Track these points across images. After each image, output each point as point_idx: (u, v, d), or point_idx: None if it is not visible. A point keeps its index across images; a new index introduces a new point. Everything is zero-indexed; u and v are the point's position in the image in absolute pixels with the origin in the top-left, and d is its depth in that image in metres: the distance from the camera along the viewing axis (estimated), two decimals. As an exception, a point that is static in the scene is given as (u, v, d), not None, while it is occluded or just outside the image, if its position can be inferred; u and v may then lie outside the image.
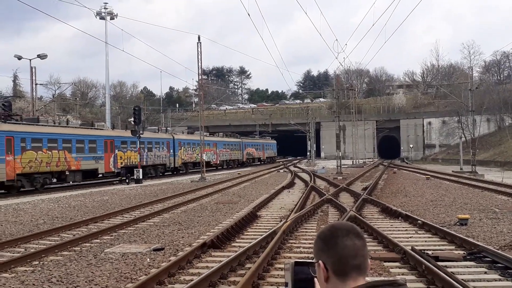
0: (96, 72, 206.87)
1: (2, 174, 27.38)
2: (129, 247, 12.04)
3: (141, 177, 36.39)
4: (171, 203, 21.93)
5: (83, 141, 35.13)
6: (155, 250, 11.61)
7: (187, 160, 52.50)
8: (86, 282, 8.90)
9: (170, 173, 49.31)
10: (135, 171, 36.94)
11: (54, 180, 33.23)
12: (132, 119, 39.13)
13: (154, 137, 45.53)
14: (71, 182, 34.19)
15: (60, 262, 10.61)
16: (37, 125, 32.03)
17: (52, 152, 31.74)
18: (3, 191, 28.40)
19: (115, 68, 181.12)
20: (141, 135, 37.47)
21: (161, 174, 46.15)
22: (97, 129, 39.36)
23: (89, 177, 36.81)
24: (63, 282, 8.95)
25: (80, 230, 15.11)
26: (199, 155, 45.92)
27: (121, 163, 39.38)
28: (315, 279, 1.76)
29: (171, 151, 48.51)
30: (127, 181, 36.24)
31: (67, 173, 33.36)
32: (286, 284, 1.80)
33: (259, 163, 76.17)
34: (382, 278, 1.75)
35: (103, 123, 47.62)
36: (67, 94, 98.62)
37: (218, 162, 60.44)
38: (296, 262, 1.80)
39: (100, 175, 37.72)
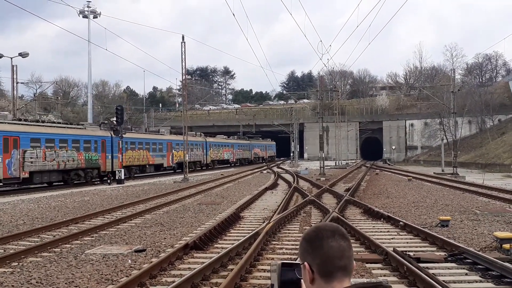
0: (79, 71, 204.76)
1: (116, 166, 38.96)
2: (110, 248, 11.92)
3: (122, 177, 36.10)
4: (153, 203, 21.79)
5: (156, 144, 47.72)
6: (136, 251, 11.51)
7: (214, 158, 64.31)
8: (66, 283, 8.78)
9: (205, 168, 61.17)
10: (116, 172, 36.71)
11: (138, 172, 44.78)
12: (115, 118, 38.82)
13: (194, 140, 56.70)
14: (149, 172, 47.06)
15: (40, 263, 10.46)
16: (132, 132, 45.06)
17: (140, 151, 44.50)
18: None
19: (98, 67, 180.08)
20: (177, 139, 49.89)
21: (198, 168, 58.40)
22: (162, 134, 52.16)
23: (158, 169, 49.12)
24: (42, 283, 8.82)
25: (60, 231, 14.92)
26: (223, 154, 65.89)
27: (176, 159, 51.44)
28: (301, 280, 1.75)
29: (205, 151, 60.20)
30: (108, 181, 35.98)
31: (147, 166, 46.08)
32: (272, 285, 1.78)
33: (262, 161, 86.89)
34: (367, 280, 1.74)
35: (164, 129, 57.99)
36: (49, 93, 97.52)
37: (235, 160, 72.34)
38: (282, 264, 1.79)
39: (163, 168, 49.75)
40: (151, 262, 10.11)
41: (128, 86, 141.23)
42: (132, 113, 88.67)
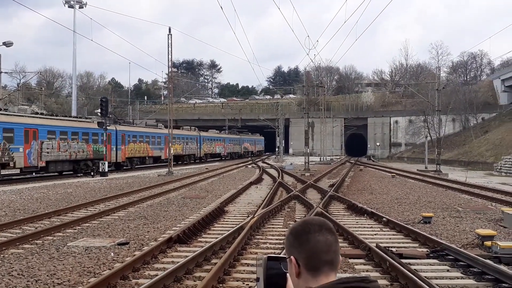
0: (64, 62, 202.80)
1: (119, 157, 43.02)
2: (93, 241, 11.83)
3: (106, 170, 35.83)
4: (137, 197, 21.68)
5: (155, 137, 50.92)
6: (119, 244, 11.44)
7: (207, 152, 67.42)
8: (47, 276, 8.70)
9: (198, 161, 64.11)
10: (100, 164, 36.44)
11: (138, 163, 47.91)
12: (99, 110, 38.52)
13: (189, 134, 60.61)
14: (149, 164, 50.34)
15: (21, 255, 10.35)
16: (134, 126, 50.07)
17: (141, 144, 47.50)
18: (113, 168, 42.08)
19: (83, 58, 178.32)
20: (176, 133, 51.46)
21: (192, 161, 62.00)
22: (161, 128, 54.32)
23: (156, 161, 51.71)
24: (24, 275, 8.73)
25: (42, 222, 14.78)
26: (215, 148, 69.35)
27: (174, 151, 52.12)
28: (287, 274, 1.74)
29: (199, 144, 63.38)
30: (92, 173, 35.73)
31: (147, 158, 49.43)
32: (257, 279, 1.77)
33: (251, 155, 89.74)
34: (353, 275, 1.74)
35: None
36: (33, 84, 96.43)
37: (226, 154, 75.02)
38: (269, 257, 1.78)
39: (160, 160, 52.19)
40: (134, 255, 10.06)
41: (113, 78, 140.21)
42: (116, 105, 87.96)
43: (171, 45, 38.94)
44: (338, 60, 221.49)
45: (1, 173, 29.36)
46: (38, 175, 34.07)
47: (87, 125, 39.37)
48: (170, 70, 41.76)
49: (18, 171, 33.03)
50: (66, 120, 38.03)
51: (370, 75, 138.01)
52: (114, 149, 41.82)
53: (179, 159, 55.70)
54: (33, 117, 33.82)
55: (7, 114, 31.12)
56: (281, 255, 1.79)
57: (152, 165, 50.60)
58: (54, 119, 36.29)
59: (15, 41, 47.97)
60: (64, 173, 36.34)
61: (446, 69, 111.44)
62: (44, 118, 35.03)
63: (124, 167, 44.84)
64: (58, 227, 13.52)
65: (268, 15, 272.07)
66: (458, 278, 8.76)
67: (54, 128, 34.50)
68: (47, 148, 33.30)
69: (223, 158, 72.97)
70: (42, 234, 12.53)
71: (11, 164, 30.16)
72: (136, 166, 46.79)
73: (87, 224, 14.36)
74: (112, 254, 10.49)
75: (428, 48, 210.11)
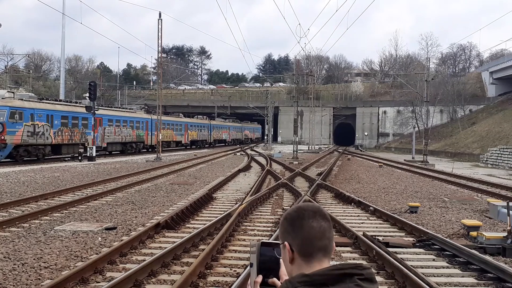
0: (52, 45, 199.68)
1: (153, 141, 50.34)
2: (80, 225, 11.80)
3: (94, 154, 35.63)
4: (125, 182, 21.62)
5: (178, 125, 60.08)
6: (107, 229, 11.42)
7: (216, 138, 76.55)
8: (34, 259, 8.67)
9: (207, 146, 71.89)
10: (88, 148, 36.25)
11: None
12: (87, 94, 38.22)
13: (202, 122, 70.69)
14: (173, 147, 59.56)
15: (8, 238, 10.30)
16: (165, 115, 57.62)
17: (168, 130, 55.97)
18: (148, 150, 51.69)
19: (73, 42, 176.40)
20: (193, 122, 65.16)
21: (205, 146, 70.44)
22: (180, 117, 63.03)
23: (177, 145, 61.39)
24: (10, 258, 8.69)
25: (29, 206, 14.70)
26: (222, 135, 79.20)
27: (190, 138, 64.51)
28: (281, 260, 1.74)
29: (209, 132, 73.12)
30: (79, 158, 35.52)
31: (171, 142, 58.16)
32: (251, 264, 1.77)
33: (250, 141, 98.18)
34: (347, 262, 1.75)
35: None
36: (20, 66, 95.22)
37: (230, 140, 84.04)
38: (262, 243, 1.78)
39: (180, 145, 62.51)
40: (121, 240, 10.06)
41: (102, 62, 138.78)
42: (105, 90, 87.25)
43: (161, 30, 38.65)
44: (329, 49, 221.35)
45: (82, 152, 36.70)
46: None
47: (132, 114, 49.74)
48: (159, 55, 41.48)
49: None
50: (119, 110, 49.29)
51: (359, 65, 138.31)
52: (150, 134, 51.73)
53: (193, 144, 67.31)
54: (100, 108, 42.20)
55: (82, 106, 39.23)
56: (274, 241, 1.79)
57: (175, 148, 60.69)
58: (111, 109, 47.18)
59: (4, 23, 47.45)
60: (113, 153, 45.67)
61: (435, 61, 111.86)
62: (105, 109, 45.40)
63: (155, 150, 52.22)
64: (45, 210, 13.46)
65: (260, 3, 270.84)
66: (443, 268, 8.86)
67: (112, 117, 44.43)
68: (108, 133, 43.31)
69: (227, 144, 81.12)
70: (29, 218, 12.46)
71: (86, 144, 38.05)
72: (163, 149, 52.56)
73: (74, 209, 14.30)
74: (99, 238, 10.47)
75: (418, 39, 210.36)
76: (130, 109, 54.41)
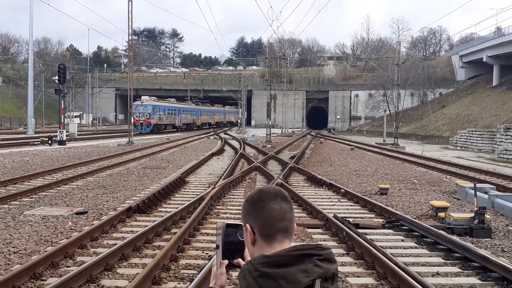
0: (21, 28, 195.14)
1: (180, 123, 69.90)
2: (50, 210, 11.66)
3: (64, 138, 35.08)
4: (96, 166, 21.39)
5: (193, 111, 75.75)
6: (77, 213, 11.32)
7: (203, 122, 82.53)
8: (3, 244, 8.56)
9: (196, 128, 77.22)
10: (58, 132, 35.65)
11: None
12: (57, 77, 37.49)
13: (191, 107, 77.05)
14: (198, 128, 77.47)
15: (-25, 224, 10.12)
16: (185, 103, 77.48)
17: (187, 115, 72.42)
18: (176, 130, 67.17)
19: (42, 24, 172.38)
20: (185, 107, 74.64)
21: (195, 128, 76.52)
22: (198, 105, 79.92)
23: (191, 127, 74.60)
24: (-23, 245, 8.55)
25: (-3, 191, 14.44)
26: (207, 118, 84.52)
27: (183, 121, 71.91)
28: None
29: (197, 116, 78.55)
30: (49, 142, 34.94)
31: (199, 124, 77.56)
32: (217, 246, 1.79)
33: (232, 125, 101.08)
34: (307, 243, 1.78)
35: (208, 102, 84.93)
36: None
37: (214, 123, 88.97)
38: (227, 224, 1.80)
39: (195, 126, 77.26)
40: (92, 224, 9.99)
41: (71, 45, 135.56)
42: (75, 73, 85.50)
43: (132, 11, 38.02)
44: (301, 32, 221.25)
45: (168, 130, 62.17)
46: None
47: (189, 106, 75.30)
48: (130, 37, 40.88)
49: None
50: (181, 104, 72.39)
51: (332, 49, 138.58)
52: (178, 118, 68.21)
53: (188, 127, 73.40)
54: (175, 104, 68.64)
55: (170, 102, 66.74)
56: (239, 222, 1.81)
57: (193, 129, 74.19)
58: (180, 103, 70.92)
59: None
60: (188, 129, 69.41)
61: (406, 44, 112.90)
62: (179, 103, 71.32)
63: (181, 129, 68.93)
64: (14, 195, 13.25)
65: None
66: (412, 248, 9.06)
67: (182, 108, 69.77)
68: (183, 118, 69.53)
69: (212, 127, 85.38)
70: (-3, 203, 12.27)
71: (175, 124, 65.37)
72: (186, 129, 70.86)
73: (44, 193, 14.11)
74: (70, 223, 10.38)
75: (390, 23, 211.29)
76: (186, 102, 78.61)
